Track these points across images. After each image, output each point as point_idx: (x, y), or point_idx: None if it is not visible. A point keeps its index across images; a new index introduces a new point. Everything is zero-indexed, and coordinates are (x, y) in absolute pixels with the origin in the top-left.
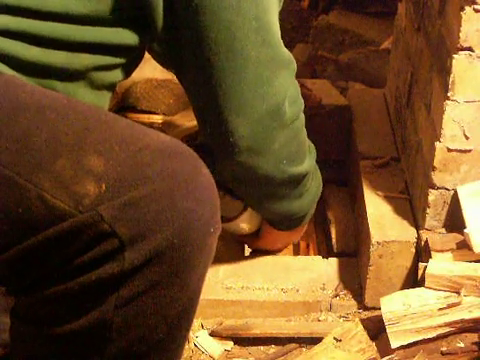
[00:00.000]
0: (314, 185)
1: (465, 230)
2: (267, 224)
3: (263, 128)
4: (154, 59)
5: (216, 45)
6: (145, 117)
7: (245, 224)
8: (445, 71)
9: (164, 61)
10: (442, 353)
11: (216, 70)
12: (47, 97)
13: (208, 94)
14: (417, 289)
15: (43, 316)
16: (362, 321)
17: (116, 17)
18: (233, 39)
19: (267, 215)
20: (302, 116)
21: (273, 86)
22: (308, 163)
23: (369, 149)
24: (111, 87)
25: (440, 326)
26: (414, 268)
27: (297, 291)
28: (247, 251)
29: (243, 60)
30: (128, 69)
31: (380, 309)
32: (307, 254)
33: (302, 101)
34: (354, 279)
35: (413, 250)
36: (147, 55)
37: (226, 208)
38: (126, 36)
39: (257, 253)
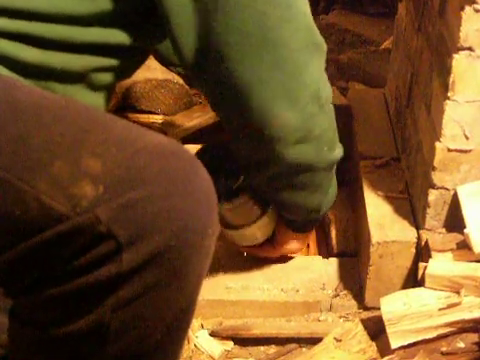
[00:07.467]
0: (334, 180)
1: (465, 230)
2: (283, 228)
3: (309, 115)
4: (155, 59)
5: (253, 38)
6: (145, 117)
7: (260, 232)
8: (445, 71)
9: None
10: (442, 353)
11: (256, 66)
12: (45, 98)
13: (249, 95)
14: (417, 289)
15: (40, 318)
16: (362, 321)
17: (116, 18)
18: (268, 29)
19: (291, 213)
20: (331, 99)
21: (310, 71)
22: (339, 149)
23: (369, 149)
24: (110, 87)
25: (440, 326)
26: (414, 268)
27: (297, 291)
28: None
29: (282, 50)
30: (128, 70)
31: (380, 309)
32: (307, 254)
33: (329, 84)
34: (354, 279)
35: (413, 250)
36: None
37: (245, 213)
38: (125, 37)
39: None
